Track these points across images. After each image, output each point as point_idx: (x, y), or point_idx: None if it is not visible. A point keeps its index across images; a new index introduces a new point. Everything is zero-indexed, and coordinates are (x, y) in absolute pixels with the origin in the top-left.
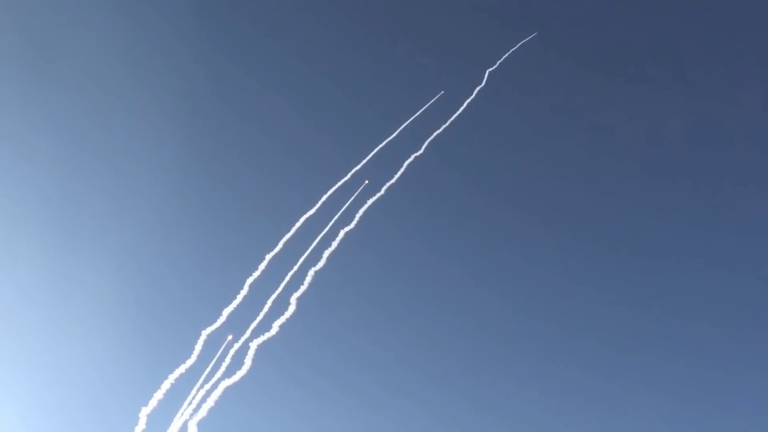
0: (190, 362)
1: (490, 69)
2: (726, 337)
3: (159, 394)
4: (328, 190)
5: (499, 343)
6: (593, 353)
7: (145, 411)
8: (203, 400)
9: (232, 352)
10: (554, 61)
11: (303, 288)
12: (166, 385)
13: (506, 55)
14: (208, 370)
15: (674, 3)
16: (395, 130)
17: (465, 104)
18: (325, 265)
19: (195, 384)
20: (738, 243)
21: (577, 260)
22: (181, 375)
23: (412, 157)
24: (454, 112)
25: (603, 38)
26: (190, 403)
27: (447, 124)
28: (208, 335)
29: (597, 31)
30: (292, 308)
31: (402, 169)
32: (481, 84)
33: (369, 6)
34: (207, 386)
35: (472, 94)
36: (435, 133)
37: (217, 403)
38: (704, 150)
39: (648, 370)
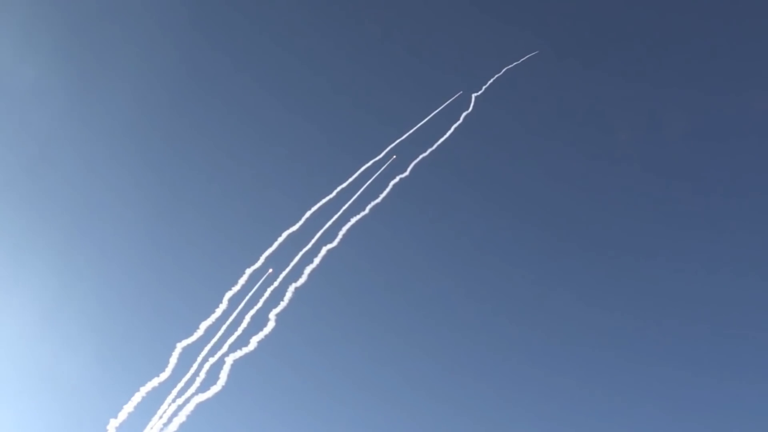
0: (164, 375)
1: (476, 94)
2: (710, 336)
3: (129, 407)
4: (312, 206)
5: (481, 365)
6: (585, 354)
7: (114, 423)
8: (174, 414)
9: (207, 366)
10: (539, 87)
11: (283, 304)
12: (137, 397)
13: (491, 80)
14: (181, 384)
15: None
16: (382, 151)
17: (452, 129)
18: (306, 282)
19: (167, 398)
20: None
21: (560, 288)
22: (154, 388)
23: (398, 178)
24: (441, 136)
25: (586, 64)
26: (160, 417)
27: (433, 147)
28: (184, 348)
29: (581, 58)
30: (271, 324)
31: (387, 190)
32: (468, 109)
33: (359, 31)
34: (179, 401)
35: (459, 119)
36: (421, 156)
37: (188, 418)
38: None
39: (648, 375)
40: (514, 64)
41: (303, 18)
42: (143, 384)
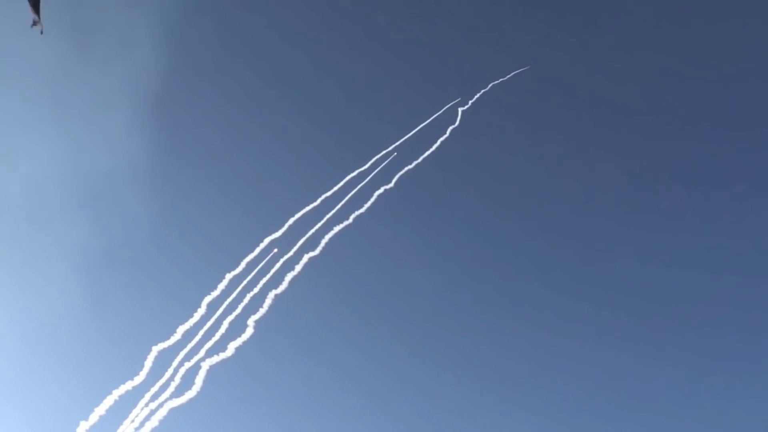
0: (138, 378)
1: (462, 108)
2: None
3: (101, 409)
4: (296, 213)
5: (459, 382)
6: (582, 353)
7: (84, 425)
8: (147, 418)
9: (182, 371)
10: (526, 102)
11: (262, 311)
12: (110, 400)
13: (478, 95)
14: (155, 388)
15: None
16: (368, 162)
17: (438, 142)
18: (286, 289)
19: (140, 401)
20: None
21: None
22: (127, 391)
23: (383, 189)
24: (427, 149)
25: (573, 81)
26: (132, 421)
27: (419, 160)
28: (160, 352)
29: (567, 73)
30: (249, 331)
31: (372, 200)
32: (454, 123)
33: (349, 42)
34: (152, 405)
35: (445, 133)
36: (406, 168)
37: (161, 423)
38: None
39: (647, 374)
40: (500, 80)
41: (292, 27)
42: (116, 386)
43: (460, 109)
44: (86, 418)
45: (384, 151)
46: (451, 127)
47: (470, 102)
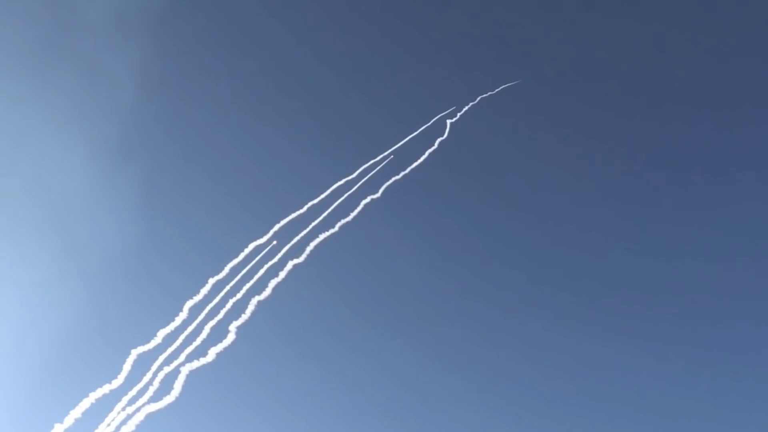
0: (116, 382)
1: (451, 121)
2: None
3: (77, 412)
4: (282, 219)
5: (440, 397)
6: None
7: (59, 428)
8: (123, 423)
9: (161, 375)
10: (516, 115)
11: (245, 317)
12: (86, 403)
13: (467, 107)
14: (133, 392)
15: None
16: (355, 171)
17: (426, 154)
18: (270, 296)
19: (117, 405)
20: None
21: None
22: (105, 394)
23: (369, 198)
24: (415, 160)
25: (562, 95)
26: (108, 425)
27: (407, 171)
28: (139, 355)
29: (555, 85)
30: (231, 337)
31: (358, 209)
32: (443, 136)
33: (340, 50)
34: (130, 409)
35: (434, 145)
36: (393, 179)
37: (137, 427)
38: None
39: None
40: (489, 93)
41: (282, 32)
42: (93, 389)
43: (448, 121)
44: (61, 421)
45: (372, 161)
46: (439, 139)
47: (459, 114)
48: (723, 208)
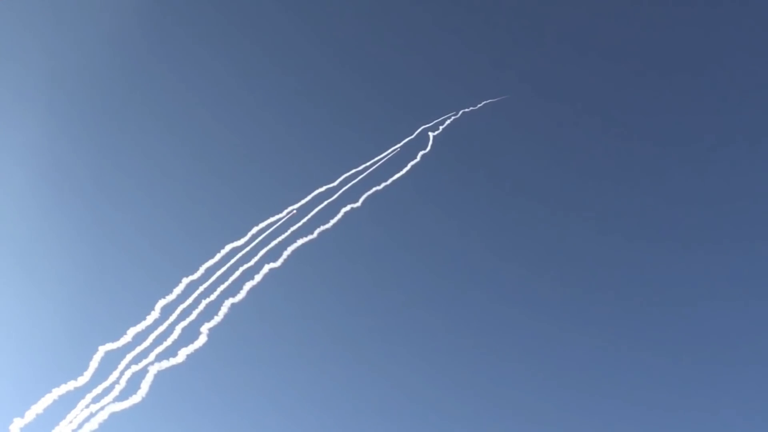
0: (82, 379)
1: (434, 134)
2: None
3: (38, 407)
4: (260, 222)
5: (425, 408)
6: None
7: (18, 422)
8: (86, 420)
9: (129, 374)
10: (498, 130)
11: (217, 319)
12: (48, 398)
13: (449, 120)
14: (99, 390)
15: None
16: (337, 179)
17: (408, 166)
18: (244, 299)
19: (80, 402)
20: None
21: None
22: (69, 391)
23: (349, 207)
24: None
25: (542, 106)
26: (70, 422)
27: (388, 182)
28: (107, 353)
29: (539, 103)
30: (202, 338)
31: (338, 217)
32: (425, 149)
33: (326, 58)
34: (93, 407)
35: (416, 158)
36: (374, 189)
37: (100, 426)
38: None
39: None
40: (471, 108)
41: (268, 37)
42: (57, 385)
43: (431, 134)
44: (21, 416)
45: (354, 170)
46: (421, 152)
47: (441, 128)
48: (725, 205)
